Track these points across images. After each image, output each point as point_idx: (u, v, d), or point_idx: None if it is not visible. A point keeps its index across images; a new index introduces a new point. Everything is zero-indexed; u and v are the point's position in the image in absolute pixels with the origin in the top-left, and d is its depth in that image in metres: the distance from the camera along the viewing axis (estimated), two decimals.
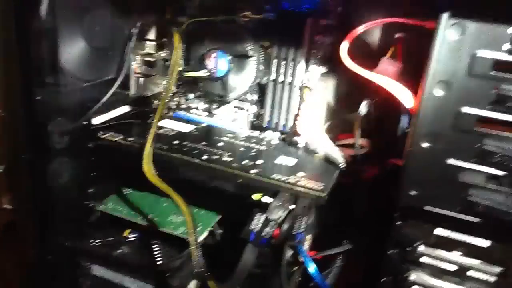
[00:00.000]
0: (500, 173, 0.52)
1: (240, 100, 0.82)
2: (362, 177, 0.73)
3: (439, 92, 0.51)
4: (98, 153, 0.77)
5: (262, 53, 0.77)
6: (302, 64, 0.74)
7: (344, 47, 0.64)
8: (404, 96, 0.57)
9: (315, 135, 0.72)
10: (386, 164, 0.70)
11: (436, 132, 0.53)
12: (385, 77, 0.60)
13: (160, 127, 0.80)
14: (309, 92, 0.73)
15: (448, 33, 0.49)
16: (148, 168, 0.69)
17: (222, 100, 0.83)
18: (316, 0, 0.70)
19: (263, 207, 0.66)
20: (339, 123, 0.78)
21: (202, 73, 0.78)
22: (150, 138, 0.70)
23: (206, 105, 0.85)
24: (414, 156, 0.54)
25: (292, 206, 0.67)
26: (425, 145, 0.54)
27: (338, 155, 0.73)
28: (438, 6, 0.49)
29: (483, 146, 0.51)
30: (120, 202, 0.84)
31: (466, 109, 0.51)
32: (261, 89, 0.79)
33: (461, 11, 0.48)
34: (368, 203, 0.72)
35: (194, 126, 0.83)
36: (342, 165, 0.72)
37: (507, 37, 0.48)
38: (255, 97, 0.80)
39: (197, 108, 0.86)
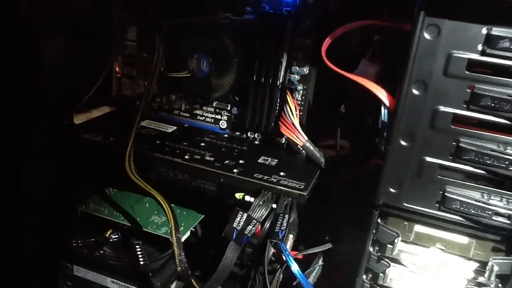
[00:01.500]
0: (476, 170, 0.53)
1: (222, 101, 0.82)
2: (343, 177, 0.74)
3: (416, 92, 0.53)
4: (79, 153, 0.76)
5: (243, 54, 0.77)
6: (283, 65, 0.74)
7: (324, 49, 0.65)
8: (382, 95, 0.58)
9: (296, 136, 0.73)
10: (368, 164, 0.71)
11: (413, 131, 0.54)
12: (364, 78, 0.61)
13: (142, 127, 0.80)
14: (290, 93, 0.74)
15: (424, 34, 0.51)
16: (129, 168, 0.69)
17: (204, 101, 0.83)
18: (296, 3, 0.71)
19: (245, 206, 0.67)
20: (320, 124, 0.79)
21: (184, 74, 0.78)
22: (131, 138, 0.70)
23: (188, 106, 0.85)
24: (392, 154, 0.55)
25: (274, 206, 0.67)
26: (403, 143, 0.55)
27: (319, 156, 0.74)
28: (414, 7, 0.51)
29: (459, 144, 0.52)
30: (101, 202, 0.83)
31: (442, 108, 0.52)
32: (243, 90, 0.79)
33: (437, 13, 0.49)
34: (349, 202, 0.73)
35: (176, 127, 0.84)
36: (323, 165, 0.73)
37: (481, 38, 0.49)
38: (237, 97, 0.81)
39: (179, 108, 0.86)
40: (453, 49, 0.50)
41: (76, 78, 0.76)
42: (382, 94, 0.58)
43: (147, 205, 0.83)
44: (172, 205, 0.69)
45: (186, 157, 0.71)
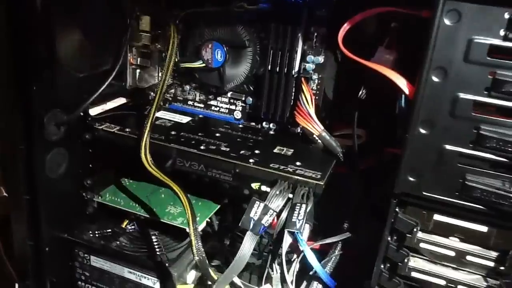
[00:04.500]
0: (497, 158, 0.52)
1: (236, 91, 0.82)
2: (360, 166, 0.74)
3: (435, 79, 0.52)
4: (95, 144, 0.77)
5: (258, 43, 0.77)
6: (298, 54, 0.74)
7: (340, 37, 0.64)
8: (401, 83, 0.57)
9: (312, 125, 0.73)
10: (384, 153, 0.70)
11: (433, 118, 0.53)
12: (381, 66, 0.61)
13: (157, 118, 0.80)
14: (305, 82, 0.73)
15: (444, 20, 0.50)
16: (145, 158, 0.69)
17: (218, 91, 0.83)
18: None
19: (262, 196, 0.67)
20: (336, 113, 0.78)
21: (198, 64, 0.78)
22: (147, 129, 0.70)
23: (203, 96, 0.85)
24: (411, 142, 0.55)
25: (291, 195, 0.67)
26: (422, 131, 0.54)
27: (335, 145, 0.73)
28: None
29: (480, 131, 0.51)
30: (118, 193, 0.84)
31: (462, 95, 0.51)
32: (258, 80, 0.79)
33: None
34: (366, 192, 0.72)
35: (191, 118, 0.83)
36: (340, 154, 0.73)
37: (503, 22, 0.48)
38: (251, 87, 0.80)
39: (193, 99, 0.86)
40: (474, 34, 0.49)
41: (91, 69, 0.76)
42: (401, 81, 0.57)
43: (163, 195, 0.83)
44: (188, 195, 0.69)
45: (202, 147, 0.71)
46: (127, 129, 0.75)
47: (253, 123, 0.83)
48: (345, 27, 0.64)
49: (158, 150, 0.71)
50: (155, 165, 0.69)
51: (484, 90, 0.51)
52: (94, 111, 0.78)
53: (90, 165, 0.80)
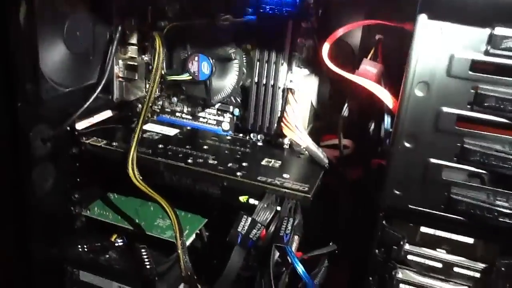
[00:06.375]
0: (481, 171, 0.53)
1: (223, 103, 0.82)
2: (347, 177, 0.74)
3: (419, 93, 0.52)
4: (82, 159, 0.76)
5: (244, 55, 0.77)
6: (284, 66, 0.74)
7: (325, 49, 0.64)
8: (384, 97, 0.58)
9: (299, 137, 0.73)
10: (371, 164, 0.70)
11: (417, 132, 0.53)
12: (365, 78, 0.61)
13: (145, 131, 0.80)
14: (292, 94, 0.73)
15: (426, 34, 0.50)
16: (132, 173, 0.69)
17: (206, 103, 0.82)
18: (296, 3, 0.70)
19: (250, 209, 0.67)
20: (323, 124, 0.78)
21: (185, 77, 0.78)
22: (134, 143, 0.70)
23: (190, 108, 0.85)
24: (396, 156, 0.55)
25: (279, 208, 0.67)
26: (407, 145, 0.54)
27: (323, 156, 0.73)
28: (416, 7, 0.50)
29: (464, 145, 0.52)
30: (105, 207, 0.83)
31: (446, 109, 0.52)
32: (245, 92, 0.79)
33: (438, 13, 0.49)
34: (353, 203, 0.72)
35: (179, 130, 0.83)
36: (327, 165, 0.73)
37: (484, 37, 0.49)
38: (238, 99, 0.80)
39: (181, 111, 0.86)
40: (456, 49, 0.50)
41: (77, 84, 0.75)
42: (384, 95, 0.57)
43: (152, 208, 0.83)
44: (177, 209, 0.69)
45: (189, 160, 0.71)
46: (114, 143, 0.75)
47: (241, 135, 0.83)
48: (329, 40, 0.64)
49: (145, 164, 0.71)
50: (142, 179, 0.69)
51: (467, 104, 0.51)
52: (80, 125, 0.78)
53: (78, 179, 0.79)
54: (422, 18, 0.49)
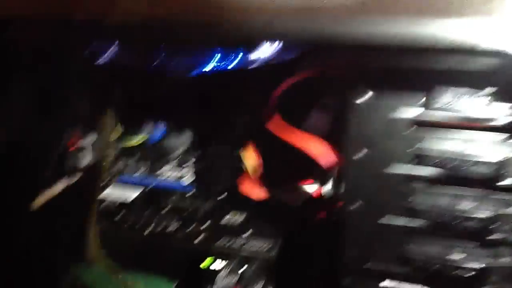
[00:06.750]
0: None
1: (181, 159, 0.81)
2: (314, 224, 0.73)
3: (360, 155, 0.52)
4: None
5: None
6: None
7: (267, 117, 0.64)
8: (323, 161, 0.57)
9: (258, 191, 0.72)
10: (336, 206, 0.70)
11: (364, 193, 0.53)
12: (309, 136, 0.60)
13: (101, 201, 0.78)
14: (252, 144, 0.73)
15: (358, 101, 0.50)
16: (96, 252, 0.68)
17: (164, 161, 0.81)
18: None
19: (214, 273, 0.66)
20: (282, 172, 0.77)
21: (139, 139, 0.77)
22: (93, 223, 0.69)
23: (148, 167, 0.84)
24: (346, 219, 0.54)
25: (244, 268, 0.66)
26: (356, 206, 0.54)
27: (287, 204, 0.72)
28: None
29: (410, 204, 0.51)
30: None
31: (390, 169, 0.51)
32: (201, 147, 0.78)
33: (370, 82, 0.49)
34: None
35: (140, 190, 0.82)
36: (293, 212, 0.72)
37: (419, 97, 0.48)
38: (197, 153, 0.79)
39: (139, 170, 0.84)
40: (392, 112, 0.49)
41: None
42: (322, 158, 0.57)
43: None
44: (144, 273, 0.68)
45: (150, 229, 0.70)
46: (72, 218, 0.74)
47: (202, 188, 0.81)
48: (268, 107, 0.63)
49: (107, 239, 0.70)
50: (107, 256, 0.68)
51: (409, 162, 0.51)
52: (37, 202, 0.76)
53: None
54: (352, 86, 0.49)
